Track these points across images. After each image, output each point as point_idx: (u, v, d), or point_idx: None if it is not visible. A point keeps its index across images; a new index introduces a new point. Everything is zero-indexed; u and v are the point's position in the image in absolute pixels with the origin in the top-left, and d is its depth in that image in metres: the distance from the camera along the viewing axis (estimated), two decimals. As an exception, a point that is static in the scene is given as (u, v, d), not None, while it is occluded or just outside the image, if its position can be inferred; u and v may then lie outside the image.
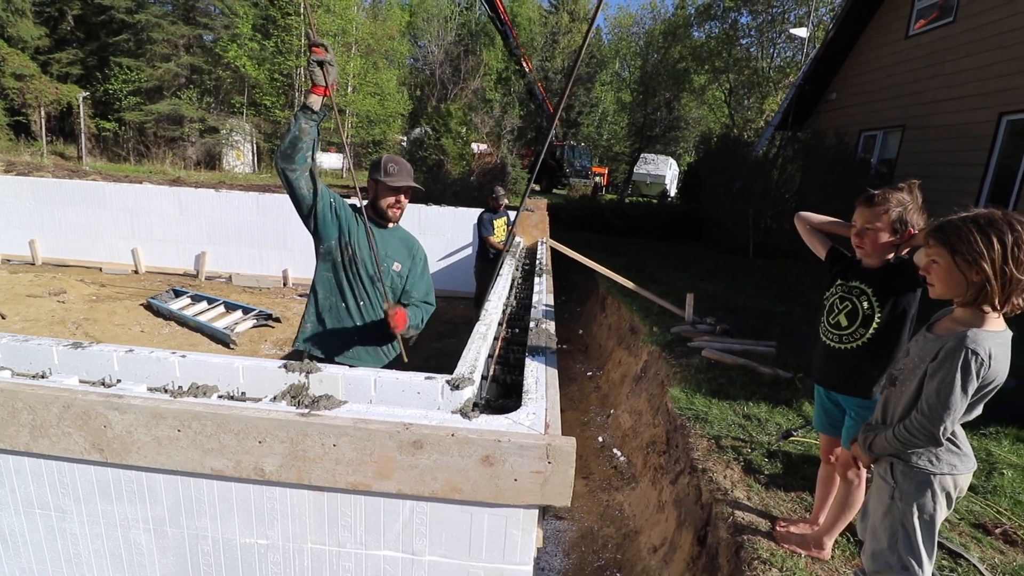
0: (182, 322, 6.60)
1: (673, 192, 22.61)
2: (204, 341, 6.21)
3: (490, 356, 2.33)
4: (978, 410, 1.41)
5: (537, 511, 1.29)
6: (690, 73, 22.42)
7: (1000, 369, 1.34)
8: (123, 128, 25.13)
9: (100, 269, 8.76)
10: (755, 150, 11.37)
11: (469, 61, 28.88)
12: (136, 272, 8.75)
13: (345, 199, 2.39)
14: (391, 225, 2.41)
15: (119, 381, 1.51)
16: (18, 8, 23.61)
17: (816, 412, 2.15)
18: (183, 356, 1.60)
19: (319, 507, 1.32)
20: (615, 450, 3.94)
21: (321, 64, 1.93)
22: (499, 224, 6.31)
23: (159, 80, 25.34)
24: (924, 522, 1.48)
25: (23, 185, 8.74)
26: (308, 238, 2.32)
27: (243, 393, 1.56)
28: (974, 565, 1.99)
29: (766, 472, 2.63)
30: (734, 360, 3.96)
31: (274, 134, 24.01)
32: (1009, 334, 1.37)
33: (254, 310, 6.86)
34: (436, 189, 12.23)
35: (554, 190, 22.02)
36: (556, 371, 1.91)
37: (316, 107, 1.99)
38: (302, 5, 21.21)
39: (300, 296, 8.14)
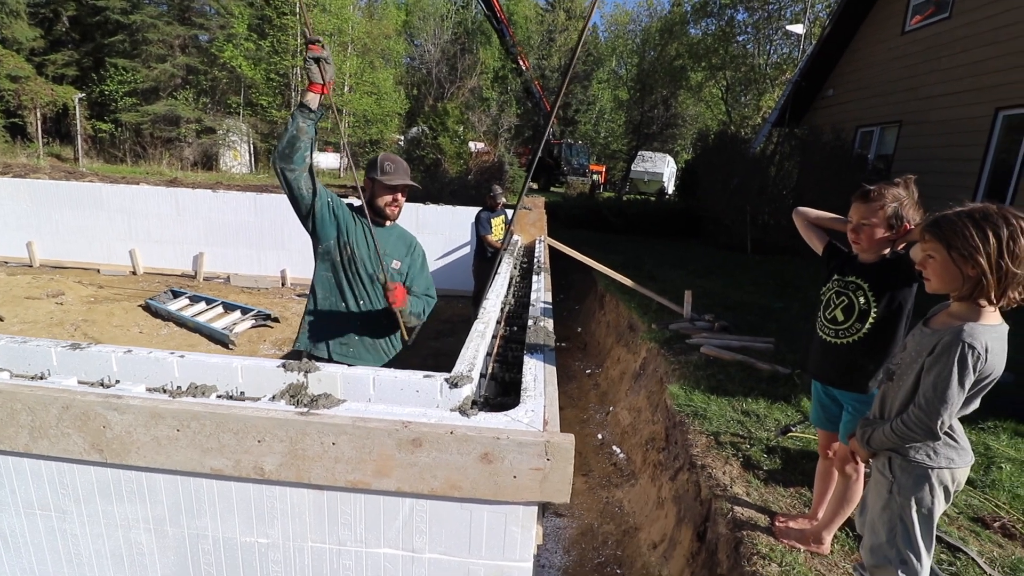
0: (181, 323, 6.60)
1: (671, 189, 22.62)
2: (203, 342, 6.20)
3: (489, 354, 2.34)
4: (975, 404, 1.42)
5: (536, 508, 1.29)
6: (687, 70, 22.43)
7: (996, 363, 1.34)
8: (119, 129, 25.06)
9: (98, 270, 8.74)
10: (752, 147, 11.38)
11: (466, 60, 28.83)
12: (134, 273, 8.74)
13: (343, 199, 2.39)
14: (389, 223, 2.41)
15: (118, 382, 1.51)
16: (12, 9, 23.52)
17: (813, 407, 2.16)
18: (181, 356, 1.60)
19: (319, 505, 1.33)
20: (614, 447, 3.95)
21: (318, 61, 1.92)
22: (497, 223, 6.31)
23: (155, 81, 25.26)
24: (922, 516, 1.48)
25: (20, 187, 8.71)
26: (306, 238, 2.32)
27: (242, 393, 1.56)
28: (973, 559, 2.00)
29: (765, 468, 2.64)
30: (732, 356, 3.97)
31: (271, 134, 23.96)
32: (1005, 328, 1.38)
33: (252, 310, 6.85)
34: (434, 188, 12.22)
35: (552, 188, 22.03)
36: (555, 368, 1.92)
37: (314, 105, 1.98)
38: (298, 4, 21.16)
39: (299, 296, 8.13)
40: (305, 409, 1.32)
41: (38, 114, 23.58)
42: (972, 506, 2.34)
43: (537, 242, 6.64)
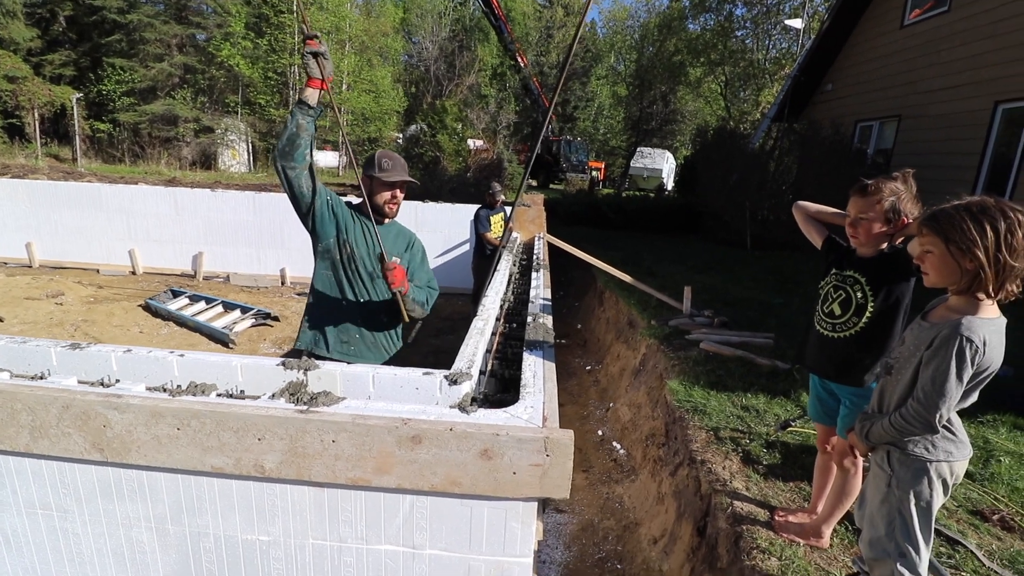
0: (180, 322, 6.60)
1: (670, 186, 22.61)
2: (203, 341, 6.20)
3: (488, 351, 2.34)
4: (973, 397, 1.42)
5: (536, 504, 1.30)
6: (686, 66, 22.41)
7: (994, 356, 1.35)
8: (117, 129, 25.02)
9: (97, 271, 8.74)
10: (751, 142, 11.37)
11: (464, 57, 28.76)
12: (134, 273, 8.74)
13: (341, 197, 2.38)
14: (387, 221, 2.41)
15: (118, 381, 1.51)
16: (9, 9, 23.46)
17: (811, 401, 2.16)
18: (181, 355, 1.60)
19: (319, 503, 1.33)
20: (615, 443, 3.96)
21: (316, 56, 1.92)
22: (496, 220, 6.30)
23: (153, 80, 25.21)
24: (921, 509, 1.49)
25: (18, 188, 8.71)
26: (305, 237, 2.32)
27: (242, 391, 1.56)
28: (972, 552, 2.01)
29: (764, 462, 2.65)
30: (732, 352, 3.97)
31: (269, 133, 23.92)
32: (1003, 321, 1.38)
33: (252, 309, 6.85)
34: (433, 186, 12.20)
35: (551, 185, 22.00)
36: (554, 365, 1.92)
37: (312, 101, 1.98)
38: (295, 1, 21.09)
39: (298, 295, 8.13)
40: (305, 407, 1.33)
41: (36, 114, 23.53)
42: (971, 499, 2.35)
43: (536, 239, 6.64)
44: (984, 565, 1.95)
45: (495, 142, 14.82)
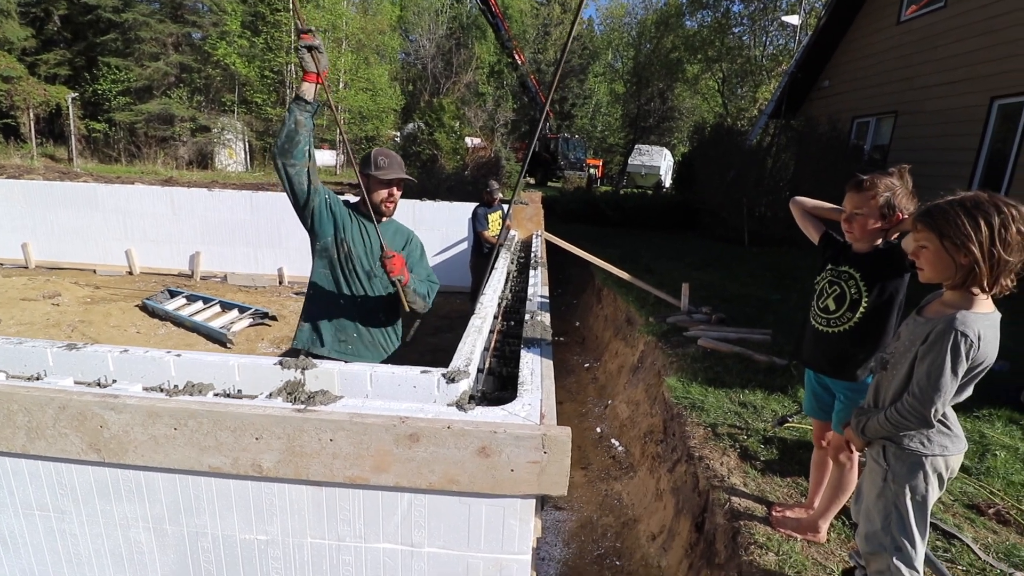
0: (178, 322, 6.59)
1: (668, 183, 22.60)
2: (200, 341, 6.20)
3: (486, 349, 2.34)
4: (968, 391, 1.43)
5: (534, 501, 1.30)
6: (683, 63, 22.39)
7: (989, 350, 1.35)
8: (113, 129, 24.92)
9: (94, 271, 8.72)
10: (749, 139, 11.37)
11: (461, 55, 28.68)
12: (130, 273, 8.72)
13: (339, 195, 2.38)
14: (385, 219, 2.40)
15: (114, 381, 1.51)
16: (3, 9, 23.32)
17: (806, 397, 2.17)
18: (178, 355, 1.60)
19: (317, 502, 1.33)
20: (613, 440, 3.96)
21: (310, 49, 1.91)
22: (493, 218, 6.29)
23: (148, 79, 25.10)
24: (917, 503, 1.50)
25: (14, 188, 8.67)
26: (303, 236, 2.31)
27: (239, 391, 1.56)
28: (968, 545, 2.02)
29: (762, 458, 2.66)
30: (730, 348, 3.98)
31: (266, 132, 23.87)
32: (998, 315, 1.39)
33: (250, 309, 6.84)
34: (430, 184, 12.19)
35: (549, 183, 21.99)
36: (551, 362, 1.92)
37: (309, 96, 1.97)
38: (290, -2, 21.02)
39: (296, 294, 8.12)
40: (302, 406, 1.32)
41: (31, 114, 23.43)
42: (967, 493, 2.36)
43: (534, 237, 6.63)
44: (980, 559, 1.96)
45: (493, 140, 14.80)
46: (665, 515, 2.85)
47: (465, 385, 1.56)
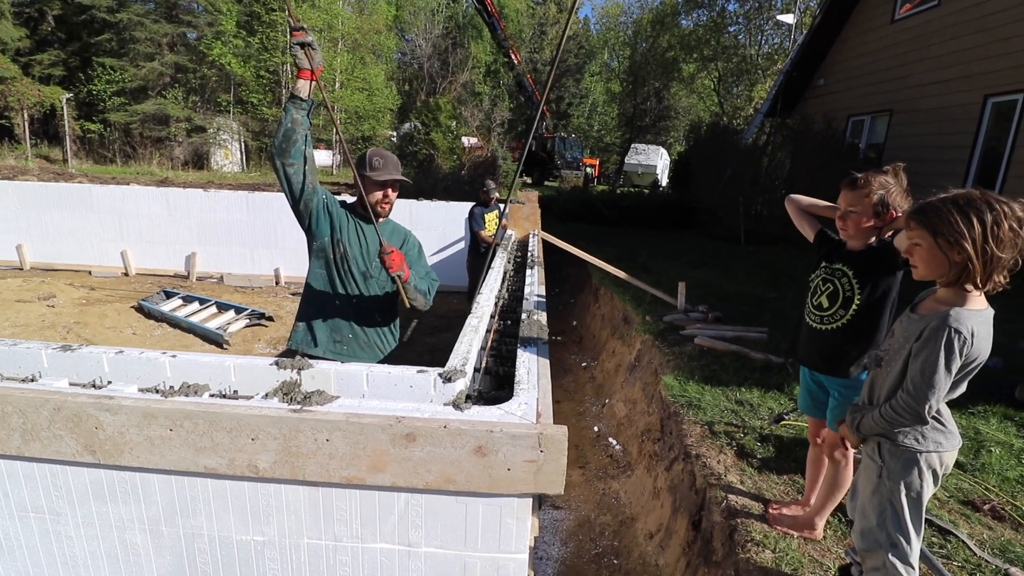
0: (174, 323, 6.57)
1: (664, 182, 22.64)
2: (197, 342, 6.18)
3: (483, 348, 2.34)
4: (962, 388, 1.43)
5: (531, 500, 1.30)
6: (679, 62, 22.44)
7: (983, 347, 1.36)
8: (108, 129, 24.78)
9: (89, 272, 8.68)
10: (744, 138, 11.41)
11: (457, 54, 28.67)
12: (126, 274, 8.68)
13: (335, 196, 2.37)
14: (381, 219, 2.40)
15: (110, 383, 1.50)
16: (-4, 9, 23.18)
17: (801, 394, 2.18)
18: (174, 356, 1.59)
19: (314, 502, 1.33)
20: (610, 439, 3.97)
21: (304, 46, 1.90)
22: (490, 218, 6.29)
23: (143, 80, 24.96)
24: (911, 499, 1.50)
25: (8, 189, 8.63)
26: (299, 236, 2.31)
27: (235, 391, 1.55)
28: (963, 541, 2.03)
29: (759, 456, 2.67)
30: (726, 347, 3.99)
31: (262, 132, 23.78)
32: (991, 312, 1.39)
33: (246, 309, 6.82)
34: (427, 184, 12.17)
35: (546, 183, 21.98)
36: (548, 361, 1.92)
37: (304, 94, 1.96)
38: (284, -4, 20.94)
39: (293, 295, 8.10)
40: (298, 406, 1.32)
41: (25, 115, 23.27)
42: (962, 489, 2.38)
43: (531, 236, 6.64)
44: (975, 554, 1.97)
45: (489, 140, 14.79)
46: (662, 513, 2.86)
47: (462, 384, 1.56)
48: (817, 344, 1.97)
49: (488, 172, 12.66)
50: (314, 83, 1.97)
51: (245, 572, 1.41)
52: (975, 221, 1.29)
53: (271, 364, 1.57)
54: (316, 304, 2.28)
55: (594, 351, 5.88)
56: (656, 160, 24.64)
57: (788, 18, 17.01)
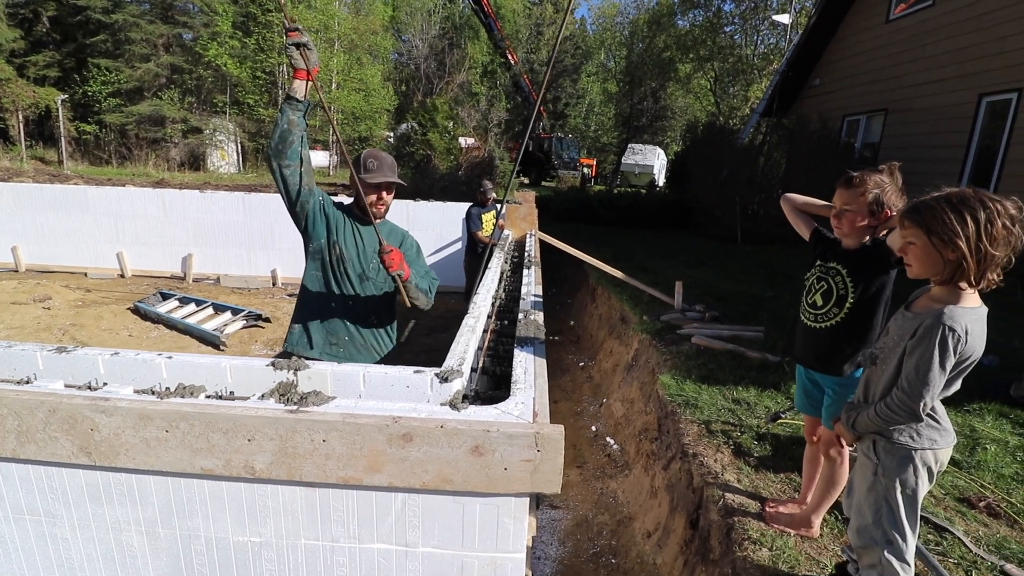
0: (170, 325, 6.55)
1: (661, 182, 22.68)
2: (193, 344, 6.16)
3: (480, 348, 2.34)
4: (956, 385, 1.44)
5: (528, 499, 1.30)
6: (675, 62, 22.45)
7: (976, 345, 1.37)
8: (104, 130, 24.68)
9: (85, 274, 8.65)
10: (741, 137, 11.44)
11: (454, 55, 28.64)
12: (122, 276, 8.66)
13: (332, 196, 2.37)
14: (378, 221, 2.39)
15: (105, 384, 1.50)
16: (-10, 10, 23.09)
17: (797, 393, 2.19)
18: (169, 357, 1.59)
19: (311, 503, 1.33)
20: (608, 438, 3.97)
21: (299, 47, 1.90)
22: (487, 218, 6.29)
23: (139, 81, 24.88)
24: (907, 497, 1.51)
25: (3, 191, 8.60)
26: (296, 237, 2.30)
27: (231, 392, 1.55)
28: (959, 538, 2.04)
29: (755, 454, 2.67)
30: (723, 346, 4.00)
31: (259, 133, 23.71)
32: (984, 310, 1.40)
33: (243, 311, 6.81)
34: (424, 185, 12.16)
35: (543, 183, 22.00)
36: (544, 361, 1.93)
37: (300, 94, 1.96)
38: (278, -3, 20.89)
39: (290, 296, 8.09)
40: (295, 407, 1.32)
41: (20, 117, 23.20)
42: (958, 487, 2.39)
43: (528, 236, 6.64)
44: (971, 551, 1.98)
45: (486, 140, 14.77)
46: (660, 512, 2.86)
47: (459, 384, 1.56)
48: (812, 342, 1.98)
49: (485, 172, 12.66)
50: (310, 84, 1.97)
51: (242, 573, 1.40)
52: (969, 219, 1.30)
53: (267, 365, 1.57)
54: (312, 306, 2.27)
55: (591, 351, 5.88)
56: (653, 160, 24.69)
57: (784, 18, 17.06)
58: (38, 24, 25.74)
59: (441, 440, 1.24)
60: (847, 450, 1.95)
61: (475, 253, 6.29)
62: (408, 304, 2.27)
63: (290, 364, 1.57)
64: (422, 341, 6.25)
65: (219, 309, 7.01)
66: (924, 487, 1.50)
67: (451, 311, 7.37)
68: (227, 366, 1.57)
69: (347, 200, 2.54)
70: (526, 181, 21.39)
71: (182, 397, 1.40)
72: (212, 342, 6.06)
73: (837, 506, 2.10)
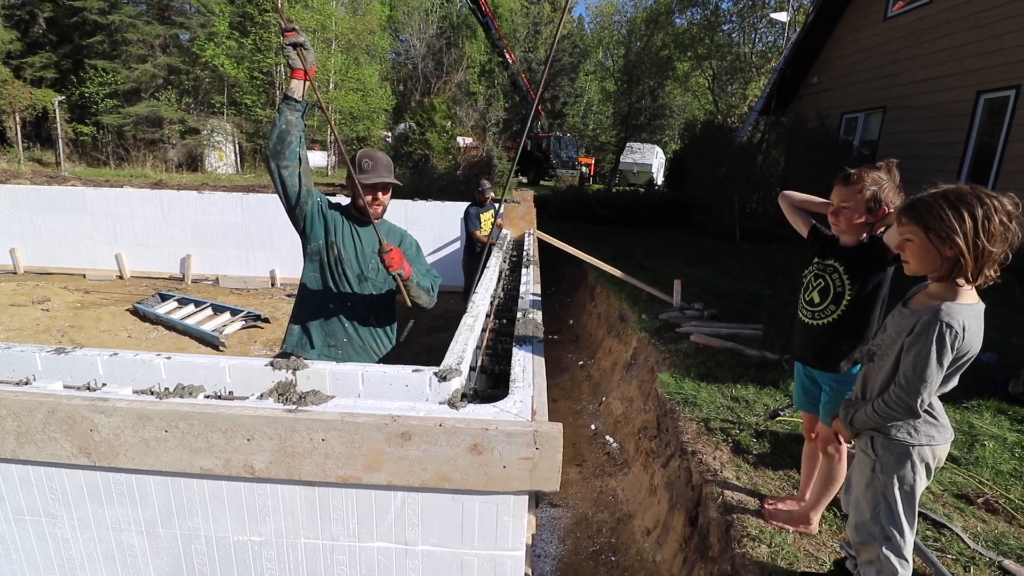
0: (169, 326, 6.54)
1: (660, 180, 22.68)
2: (192, 345, 6.16)
3: (478, 347, 2.34)
4: (954, 381, 1.45)
5: (527, 497, 1.31)
6: (673, 60, 22.49)
7: (974, 341, 1.37)
8: (101, 132, 24.63)
9: (84, 276, 8.64)
10: (739, 135, 11.44)
11: (452, 54, 28.62)
12: (121, 277, 8.65)
13: (330, 197, 2.37)
14: (376, 221, 2.39)
15: (104, 385, 1.50)
16: (-14, 12, 23.03)
17: (796, 390, 2.19)
18: (168, 358, 1.59)
19: (311, 502, 1.33)
20: (607, 437, 3.98)
21: (296, 47, 1.90)
22: (486, 218, 6.29)
23: (136, 82, 24.83)
24: (904, 493, 1.52)
25: (1, 193, 8.58)
26: (295, 238, 2.29)
27: (230, 392, 1.56)
28: (957, 534, 2.05)
29: (754, 452, 2.68)
30: (722, 344, 4.00)
31: (256, 133, 23.70)
32: (982, 306, 1.41)
33: (242, 311, 6.81)
34: (422, 184, 12.16)
35: (541, 182, 22.00)
36: (543, 359, 1.93)
37: (298, 94, 1.96)
38: (276, -2, 20.84)
39: (289, 296, 8.09)
40: (294, 406, 1.32)
41: (17, 118, 23.14)
42: (956, 483, 2.39)
43: (526, 235, 6.64)
44: (969, 547, 1.99)
45: (484, 139, 14.77)
46: (659, 510, 2.87)
47: (457, 383, 1.56)
48: (809, 339, 1.98)
49: (483, 172, 12.67)
50: (308, 84, 1.96)
51: (242, 572, 1.41)
52: (966, 216, 1.30)
53: (266, 365, 1.57)
54: (310, 307, 2.27)
55: (590, 349, 5.89)
56: (652, 159, 24.68)
57: (781, 16, 17.06)
58: (34, 25, 25.68)
59: (440, 439, 1.25)
60: (845, 447, 1.95)
61: (473, 252, 6.29)
62: (409, 303, 2.26)
63: (289, 364, 1.57)
64: (421, 340, 6.26)
65: (218, 310, 7.00)
66: (922, 483, 1.51)
67: (450, 311, 7.36)
68: (226, 366, 1.57)
69: (345, 200, 2.53)
70: (524, 180, 21.39)
71: (181, 397, 1.40)
72: (211, 343, 6.06)
73: (835, 503, 2.11)
